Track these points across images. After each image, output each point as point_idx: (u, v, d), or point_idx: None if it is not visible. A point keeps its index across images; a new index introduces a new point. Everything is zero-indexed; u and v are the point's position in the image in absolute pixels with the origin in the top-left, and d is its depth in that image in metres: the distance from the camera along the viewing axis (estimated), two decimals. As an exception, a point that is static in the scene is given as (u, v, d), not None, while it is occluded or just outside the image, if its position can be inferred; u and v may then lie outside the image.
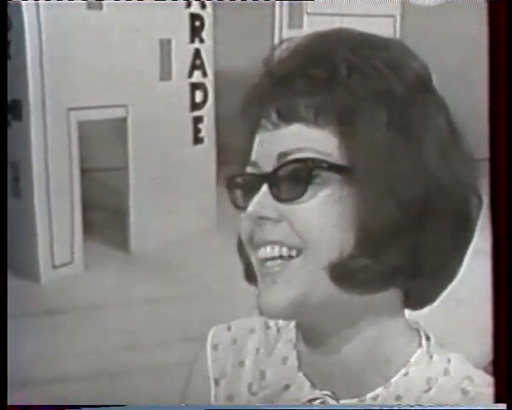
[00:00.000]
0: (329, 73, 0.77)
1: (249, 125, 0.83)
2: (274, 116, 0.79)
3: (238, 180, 0.82)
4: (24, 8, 3.32)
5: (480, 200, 0.80)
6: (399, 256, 0.76)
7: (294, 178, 0.77)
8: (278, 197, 0.77)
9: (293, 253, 0.77)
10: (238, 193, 0.82)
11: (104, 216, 4.20)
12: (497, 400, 0.80)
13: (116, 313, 3.25)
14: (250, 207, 0.78)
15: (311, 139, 0.77)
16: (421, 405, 0.79)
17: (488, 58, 0.88)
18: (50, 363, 2.87)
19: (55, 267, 3.57)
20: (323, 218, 0.76)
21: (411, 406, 0.79)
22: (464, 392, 0.79)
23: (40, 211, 3.50)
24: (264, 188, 0.78)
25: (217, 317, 0.98)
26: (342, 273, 0.76)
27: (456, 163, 0.78)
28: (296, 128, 0.78)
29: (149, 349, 2.99)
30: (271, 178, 0.78)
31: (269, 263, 0.78)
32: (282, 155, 0.78)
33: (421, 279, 0.79)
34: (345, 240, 0.76)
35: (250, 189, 0.80)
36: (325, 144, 0.76)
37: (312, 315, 0.80)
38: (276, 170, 0.78)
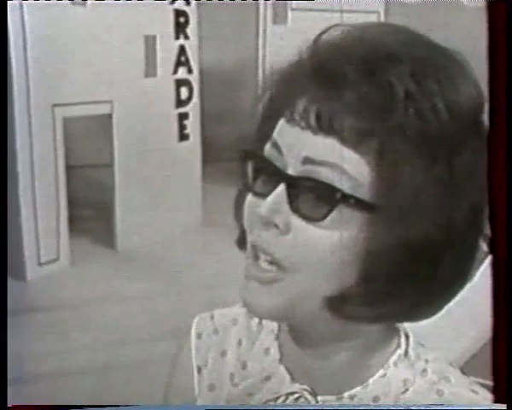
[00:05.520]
0: (384, 99, 0.71)
1: (278, 104, 0.77)
2: (312, 118, 0.73)
3: (255, 160, 0.78)
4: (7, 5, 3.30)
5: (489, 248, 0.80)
6: (397, 304, 0.75)
7: (317, 196, 0.73)
8: (295, 208, 0.74)
9: (282, 272, 0.75)
10: (250, 172, 0.78)
11: (90, 213, 4.19)
12: (497, 400, 0.81)
13: (102, 309, 3.24)
14: (263, 210, 0.74)
15: (346, 159, 0.72)
16: (424, 406, 0.80)
17: (488, 58, 0.88)
18: (37, 360, 2.87)
19: (40, 264, 3.57)
20: (332, 245, 0.73)
21: (412, 406, 0.80)
22: (439, 393, 0.80)
23: (25, 208, 3.49)
24: (282, 189, 0.74)
25: (204, 313, 0.98)
26: (336, 306, 0.76)
27: (481, 225, 0.77)
28: (333, 142, 0.72)
29: (136, 345, 2.99)
30: (292, 184, 0.74)
31: (260, 268, 0.76)
32: (309, 160, 0.73)
33: (414, 319, 0.80)
34: (347, 275, 0.74)
35: (265, 176, 0.76)
36: (359, 172, 0.72)
37: (301, 322, 0.80)
38: (299, 178, 0.73)
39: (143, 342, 3.00)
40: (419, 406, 0.79)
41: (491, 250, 0.89)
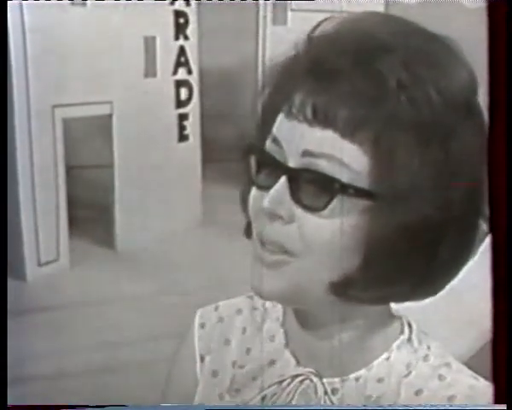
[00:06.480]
0: (377, 89, 0.73)
1: (276, 100, 0.79)
2: (309, 111, 0.75)
3: (257, 154, 0.80)
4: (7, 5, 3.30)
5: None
6: (399, 285, 0.77)
7: (318, 187, 0.75)
8: (297, 199, 0.76)
9: (287, 257, 0.77)
10: (253, 166, 0.80)
11: (90, 213, 4.20)
12: (497, 400, 0.82)
13: (102, 310, 3.25)
14: (266, 203, 0.76)
15: (343, 150, 0.74)
16: (412, 404, 0.81)
17: (488, 58, 0.89)
18: (37, 361, 2.87)
19: (40, 265, 3.57)
20: (334, 233, 0.75)
21: (412, 406, 0.81)
22: (441, 378, 0.81)
23: (25, 209, 3.49)
24: (283, 181, 0.76)
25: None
26: (340, 290, 0.77)
27: (478, 203, 0.78)
28: (330, 134, 0.74)
29: (136, 346, 2.99)
30: (292, 176, 0.76)
31: (266, 253, 0.78)
32: (308, 153, 0.75)
33: (417, 297, 0.81)
34: (350, 260, 0.76)
35: (267, 170, 0.78)
36: (357, 161, 0.74)
37: (306, 306, 0.82)
38: (299, 170, 0.75)
39: (143, 343, 3.00)
40: (415, 406, 0.81)
41: (491, 232, 0.90)
